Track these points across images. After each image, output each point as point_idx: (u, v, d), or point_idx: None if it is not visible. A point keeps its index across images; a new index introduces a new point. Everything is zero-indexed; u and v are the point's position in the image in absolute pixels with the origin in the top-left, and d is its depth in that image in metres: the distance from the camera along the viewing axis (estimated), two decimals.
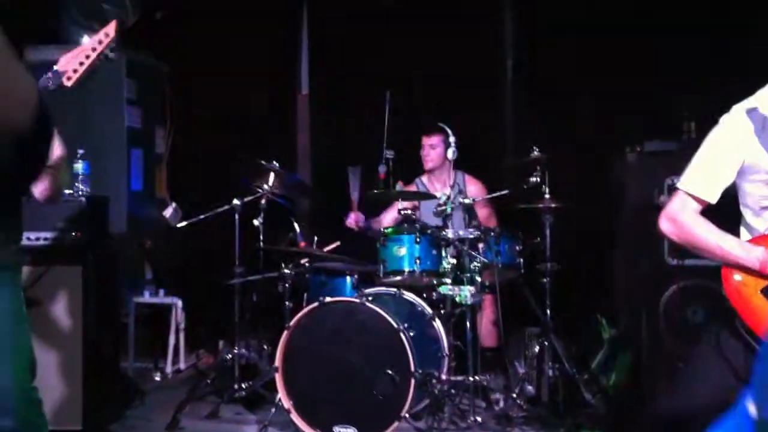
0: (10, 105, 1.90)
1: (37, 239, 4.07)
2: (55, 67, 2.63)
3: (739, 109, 2.52)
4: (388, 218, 5.39)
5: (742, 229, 2.58)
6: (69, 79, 2.60)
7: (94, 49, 2.61)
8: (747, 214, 2.57)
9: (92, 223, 4.19)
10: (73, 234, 4.10)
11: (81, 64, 2.60)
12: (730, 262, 2.50)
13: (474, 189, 5.23)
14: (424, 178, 5.41)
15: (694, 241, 2.54)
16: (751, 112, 2.49)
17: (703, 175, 2.52)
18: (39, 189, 2.88)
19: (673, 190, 2.62)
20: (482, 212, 5.23)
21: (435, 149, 5.23)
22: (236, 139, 6.24)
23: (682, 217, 2.53)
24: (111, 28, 2.64)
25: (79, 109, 5.37)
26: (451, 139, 5.03)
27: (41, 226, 4.08)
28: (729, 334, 2.47)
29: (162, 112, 6.17)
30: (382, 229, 4.72)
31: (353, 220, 5.16)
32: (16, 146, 1.96)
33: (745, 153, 2.48)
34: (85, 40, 5.16)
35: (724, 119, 2.55)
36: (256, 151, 5.56)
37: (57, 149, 2.81)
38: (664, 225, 2.56)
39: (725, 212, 2.58)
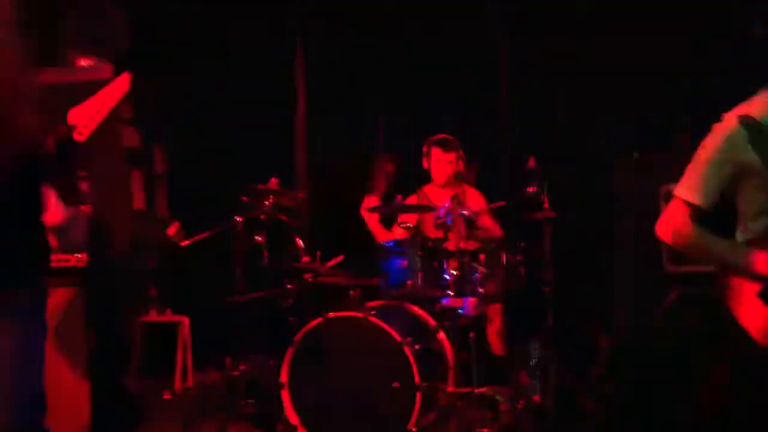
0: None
1: None
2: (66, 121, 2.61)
3: (731, 116, 2.55)
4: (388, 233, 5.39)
5: (739, 234, 2.60)
6: (80, 134, 2.56)
7: (104, 103, 2.57)
8: (743, 219, 2.59)
9: (94, 245, 4.21)
10: (75, 255, 4.13)
11: (91, 119, 2.55)
12: (727, 266, 2.53)
13: (474, 200, 5.23)
14: (427, 189, 5.40)
15: (691, 247, 2.57)
16: (743, 118, 2.51)
17: (698, 181, 2.54)
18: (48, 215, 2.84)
19: (670, 197, 2.64)
20: (487, 222, 5.22)
21: (452, 165, 5.23)
22: (235, 157, 6.27)
23: (678, 224, 2.56)
24: (124, 82, 2.60)
25: None
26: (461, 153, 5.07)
27: None
28: (727, 339, 2.50)
29: (160, 130, 6.20)
30: (383, 243, 4.73)
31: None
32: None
33: (738, 159, 2.50)
34: (82, 63, 5.21)
35: (717, 126, 2.57)
36: (255, 168, 5.59)
37: None
38: (662, 232, 2.59)
39: (722, 218, 2.61)
